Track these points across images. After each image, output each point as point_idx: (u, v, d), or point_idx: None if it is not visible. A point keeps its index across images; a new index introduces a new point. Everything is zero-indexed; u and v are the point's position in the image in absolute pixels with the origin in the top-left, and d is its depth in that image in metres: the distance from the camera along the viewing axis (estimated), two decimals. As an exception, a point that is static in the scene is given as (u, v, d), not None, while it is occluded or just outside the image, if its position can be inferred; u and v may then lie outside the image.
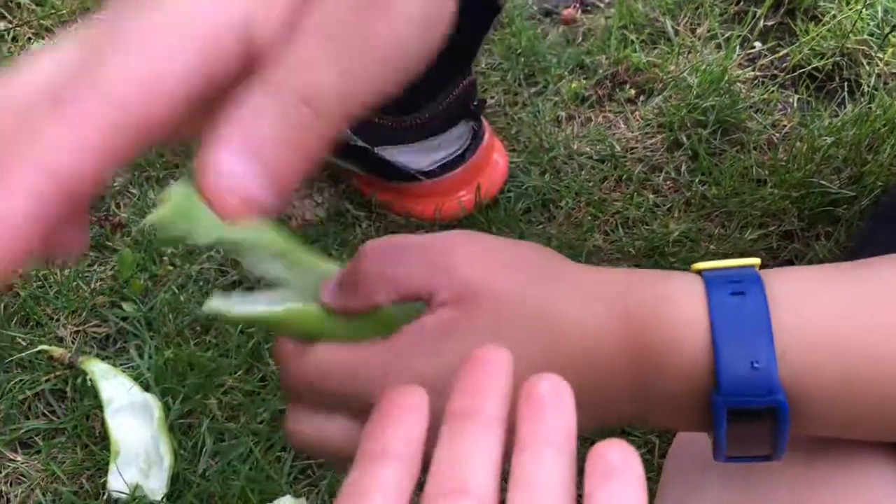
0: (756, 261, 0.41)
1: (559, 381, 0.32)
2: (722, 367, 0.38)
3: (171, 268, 0.85)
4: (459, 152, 0.86)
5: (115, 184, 0.90)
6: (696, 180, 0.93)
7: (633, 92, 1.00)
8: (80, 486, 0.72)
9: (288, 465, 0.74)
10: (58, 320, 0.81)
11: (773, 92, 1.00)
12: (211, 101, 0.25)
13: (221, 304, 0.38)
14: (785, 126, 0.97)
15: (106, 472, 0.71)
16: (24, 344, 0.79)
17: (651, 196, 0.92)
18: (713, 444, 0.41)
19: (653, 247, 0.87)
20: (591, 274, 0.42)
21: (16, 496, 0.72)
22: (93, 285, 0.83)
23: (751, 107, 0.98)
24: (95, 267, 0.85)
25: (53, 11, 1.00)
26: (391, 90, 0.27)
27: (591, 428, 0.41)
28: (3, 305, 0.80)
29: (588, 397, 0.40)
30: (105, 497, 0.70)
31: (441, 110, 0.84)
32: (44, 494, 0.72)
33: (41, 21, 0.94)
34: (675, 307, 0.39)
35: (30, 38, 0.98)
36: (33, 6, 1.00)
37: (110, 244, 0.86)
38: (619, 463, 0.29)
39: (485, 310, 0.39)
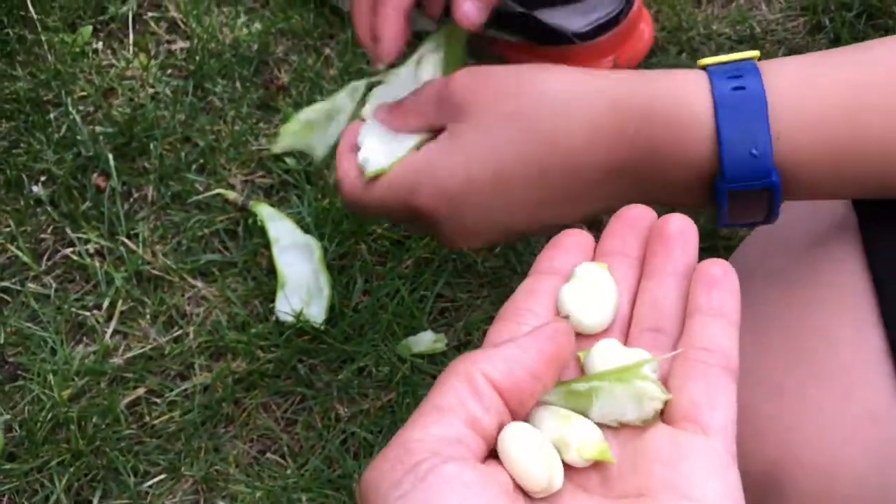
0: (755, 53, 0.46)
1: (687, 221, 0.37)
2: (725, 157, 0.43)
3: (327, 128, 0.93)
4: (614, 14, 0.88)
5: (278, 51, 0.98)
6: (836, 64, 0.93)
7: (777, -26, 0.99)
8: (252, 310, 0.83)
9: (430, 305, 0.83)
10: (230, 170, 0.91)
11: (926, -24, 0.97)
12: None
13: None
14: (935, 12, 0.96)
15: (273, 300, 0.82)
16: (201, 189, 0.90)
17: (787, 78, 0.93)
18: (716, 215, 0.47)
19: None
20: (587, 74, 0.48)
21: (197, 315, 0.83)
22: (260, 140, 0.92)
23: (900, -9, 0.97)
24: (261, 124, 0.94)
25: None
26: None
27: (588, 215, 0.48)
28: (184, 153, 0.91)
29: (583, 189, 0.47)
30: (274, 319, 0.81)
31: None
32: (221, 314, 0.83)
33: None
34: (680, 104, 0.44)
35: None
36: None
37: (274, 104, 0.94)
38: (720, 275, 0.35)
39: (475, 117, 0.48)
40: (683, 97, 0.45)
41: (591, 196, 0.47)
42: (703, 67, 0.47)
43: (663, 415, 0.33)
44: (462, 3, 0.54)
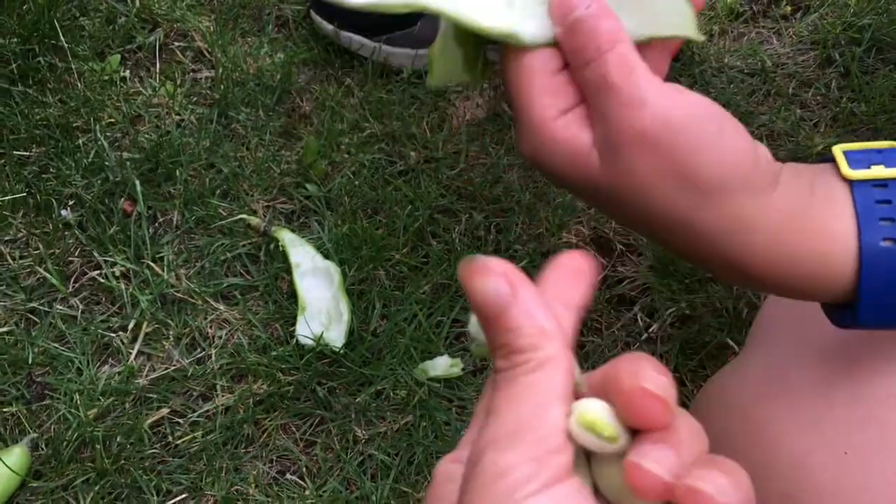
0: None
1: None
2: (861, 314, 0.41)
3: (346, 155, 0.96)
4: None
5: (300, 80, 1.00)
6: (846, 97, 0.95)
7: (788, 9, 1.02)
8: (272, 333, 0.85)
9: (446, 330, 0.85)
10: (252, 196, 0.94)
11: (934, 12, 0.99)
12: None
13: None
14: (943, 47, 0.97)
15: (293, 324, 0.84)
16: (224, 214, 0.92)
17: (798, 111, 0.95)
18: (840, 315, 0.44)
19: (795, 158, 0.91)
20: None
21: (220, 338, 0.86)
22: (281, 167, 0.95)
23: (909, 26, 0.99)
24: (283, 152, 0.96)
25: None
26: None
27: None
28: (208, 179, 0.93)
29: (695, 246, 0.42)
30: (294, 342, 0.83)
31: None
32: (243, 337, 0.85)
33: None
34: (828, 241, 0.41)
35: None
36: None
37: (296, 132, 0.97)
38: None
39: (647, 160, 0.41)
40: (830, 245, 0.41)
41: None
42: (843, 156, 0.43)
43: None
44: None
